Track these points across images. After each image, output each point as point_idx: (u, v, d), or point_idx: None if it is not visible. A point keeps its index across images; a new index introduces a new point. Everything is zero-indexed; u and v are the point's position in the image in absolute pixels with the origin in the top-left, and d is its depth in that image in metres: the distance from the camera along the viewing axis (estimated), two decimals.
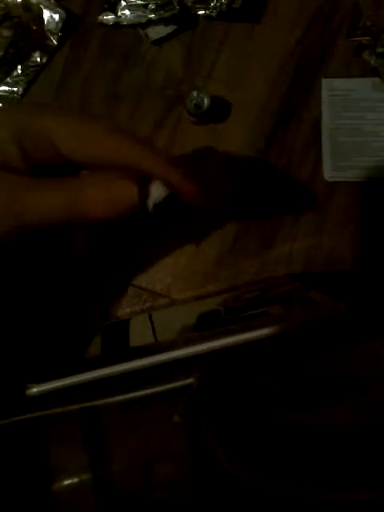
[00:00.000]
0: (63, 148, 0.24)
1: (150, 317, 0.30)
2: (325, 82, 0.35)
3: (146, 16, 0.34)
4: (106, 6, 0.35)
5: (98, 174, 0.24)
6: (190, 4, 0.34)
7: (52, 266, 0.32)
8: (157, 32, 0.35)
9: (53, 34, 0.35)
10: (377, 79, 0.34)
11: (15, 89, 0.35)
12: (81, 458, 0.21)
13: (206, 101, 0.32)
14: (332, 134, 0.34)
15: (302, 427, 0.20)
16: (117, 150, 0.24)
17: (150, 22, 0.35)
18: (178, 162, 0.26)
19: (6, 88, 0.35)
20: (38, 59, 0.36)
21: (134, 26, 0.35)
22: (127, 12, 0.35)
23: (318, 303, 0.27)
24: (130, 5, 0.35)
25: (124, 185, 0.24)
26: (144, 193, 0.24)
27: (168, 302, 0.34)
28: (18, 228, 0.23)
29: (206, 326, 0.27)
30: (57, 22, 0.35)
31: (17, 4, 0.35)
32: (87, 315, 0.33)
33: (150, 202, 0.24)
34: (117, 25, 0.35)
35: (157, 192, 0.25)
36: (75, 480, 0.21)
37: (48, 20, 0.35)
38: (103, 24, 0.35)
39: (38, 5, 0.35)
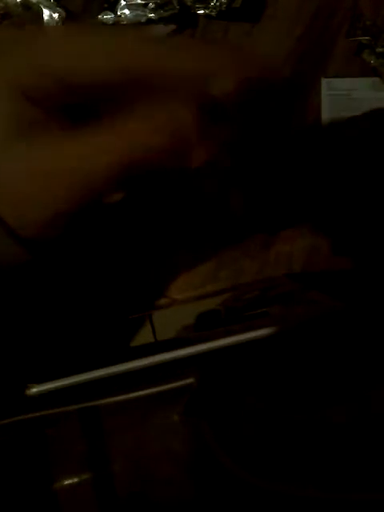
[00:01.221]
0: (61, 66, 0.19)
1: (150, 317, 0.30)
2: (325, 81, 0.35)
3: (145, 15, 0.34)
4: (105, 5, 0.35)
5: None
6: (189, 3, 0.34)
7: (51, 267, 0.32)
8: (157, 31, 0.35)
9: None
10: (377, 79, 0.34)
11: None
12: (81, 458, 0.21)
13: None
14: (332, 134, 0.34)
15: (302, 427, 0.20)
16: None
17: (150, 22, 0.35)
18: None
19: None
20: None
21: (133, 26, 0.35)
22: (127, 11, 0.35)
23: (318, 303, 0.27)
24: (130, 4, 0.34)
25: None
26: None
27: (168, 302, 0.33)
28: (82, 190, 0.21)
29: (205, 326, 0.28)
30: (56, 22, 0.35)
31: (16, 3, 0.35)
32: (88, 315, 0.33)
33: None
34: (116, 24, 0.35)
35: None
36: (75, 480, 0.21)
37: (47, 19, 0.35)
38: (103, 23, 0.35)
39: (37, 4, 0.35)
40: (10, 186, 0.21)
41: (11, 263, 0.22)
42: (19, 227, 0.21)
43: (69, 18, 0.35)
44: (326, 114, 0.34)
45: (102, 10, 0.35)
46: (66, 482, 0.21)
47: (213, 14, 0.34)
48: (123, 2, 0.35)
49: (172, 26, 0.35)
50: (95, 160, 0.20)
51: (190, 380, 0.22)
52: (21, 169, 0.21)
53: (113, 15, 0.35)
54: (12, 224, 0.21)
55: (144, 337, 0.28)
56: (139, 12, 0.34)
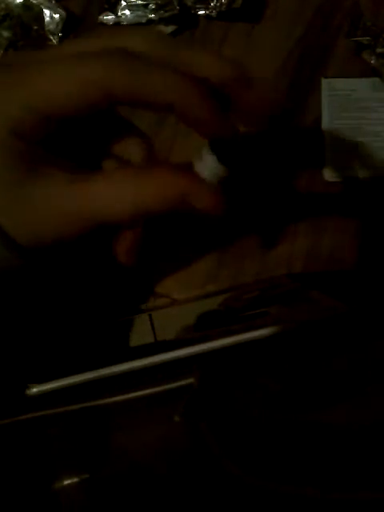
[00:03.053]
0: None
1: (150, 317, 0.30)
2: (325, 82, 0.35)
3: (146, 16, 0.34)
4: (106, 6, 0.35)
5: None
6: (190, 4, 0.34)
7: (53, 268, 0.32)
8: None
9: (53, 34, 0.35)
10: (377, 79, 0.34)
11: None
12: (81, 458, 0.21)
13: None
14: (332, 134, 0.34)
15: (302, 427, 0.20)
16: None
17: (150, 22, 0.35)
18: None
19: None
20: None
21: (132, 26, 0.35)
22: (127, 12, 0.35)
23: (318, 303, 0.27)
24: (130, 5, 0.35)
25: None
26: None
27: (168, 302, 0.33)
28: (81, 227, 0.21)
29: (206, 325, 0.28)
30: (57, 22, 0.35)
31: (17, 4, 0.35)
32: (88, 314, 0.33)
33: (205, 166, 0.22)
34: (117, 25, 0.35)
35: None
36: (75, 480, 0.21)
37: (48, 20, 0.35)
38: (103, 24, 0.35)
39: (38, 5, 0.35)
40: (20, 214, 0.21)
41: (3, 268, 0.22)
42: (15, 235, 0.21)
43: (70, 18, 0.35)
44: (326, 114, 0.34)
45: (103, 11, 0.35)
46: (67, 482, 0.21)
47: (213, 14, 0.34)
48: (124, 3, 0.35)
49: (172, 27, 0.35)
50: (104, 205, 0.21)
51: (190, 380, 0.22)
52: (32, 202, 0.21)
53: (113, 16, 0.35)
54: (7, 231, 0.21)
55: (144, 337, 0.28)
56: (139, 13, 0.35)
